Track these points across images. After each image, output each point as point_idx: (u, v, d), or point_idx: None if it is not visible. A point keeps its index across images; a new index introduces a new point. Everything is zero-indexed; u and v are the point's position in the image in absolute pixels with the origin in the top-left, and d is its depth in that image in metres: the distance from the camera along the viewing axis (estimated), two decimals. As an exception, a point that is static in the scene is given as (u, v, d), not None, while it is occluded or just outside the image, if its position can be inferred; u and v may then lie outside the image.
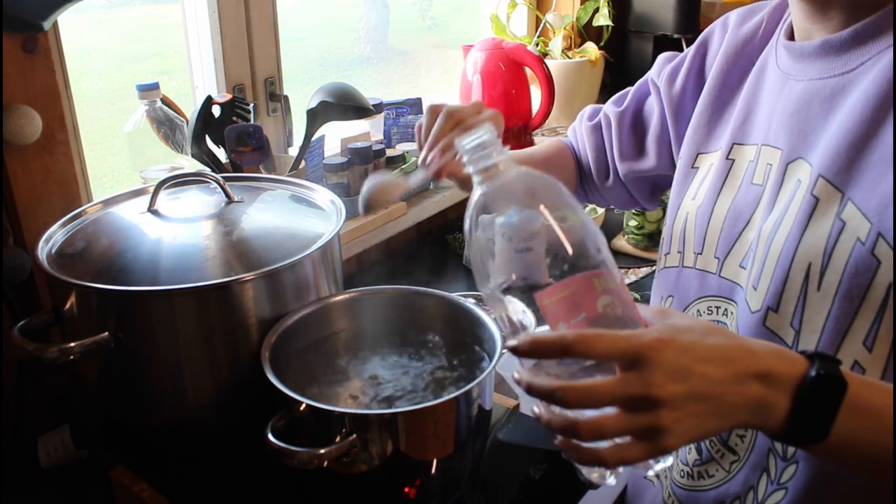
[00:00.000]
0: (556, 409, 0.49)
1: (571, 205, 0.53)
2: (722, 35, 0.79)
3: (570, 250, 0.50)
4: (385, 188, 0.86)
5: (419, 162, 0.78)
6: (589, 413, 0.48)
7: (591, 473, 0.53)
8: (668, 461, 0.52)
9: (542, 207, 0.51)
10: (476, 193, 0.53)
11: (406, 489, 0.67)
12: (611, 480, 0.53)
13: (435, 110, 0.78)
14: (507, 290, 0.52)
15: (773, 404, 0.48)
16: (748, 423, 0.49)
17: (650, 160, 0.88)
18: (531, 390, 0.48)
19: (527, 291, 0.51)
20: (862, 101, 0.58)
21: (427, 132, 0.78)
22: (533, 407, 0.51)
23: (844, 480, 0.60)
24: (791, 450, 0.63)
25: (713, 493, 0.70)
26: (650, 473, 0.52)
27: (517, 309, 0.52)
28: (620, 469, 0.51)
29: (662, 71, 0.86)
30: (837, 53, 0.61)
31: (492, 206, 0.53)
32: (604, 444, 0.48)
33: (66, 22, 0.96)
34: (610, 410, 0.47)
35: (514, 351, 0.49)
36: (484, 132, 0.53)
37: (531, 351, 0.48)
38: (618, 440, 0.48)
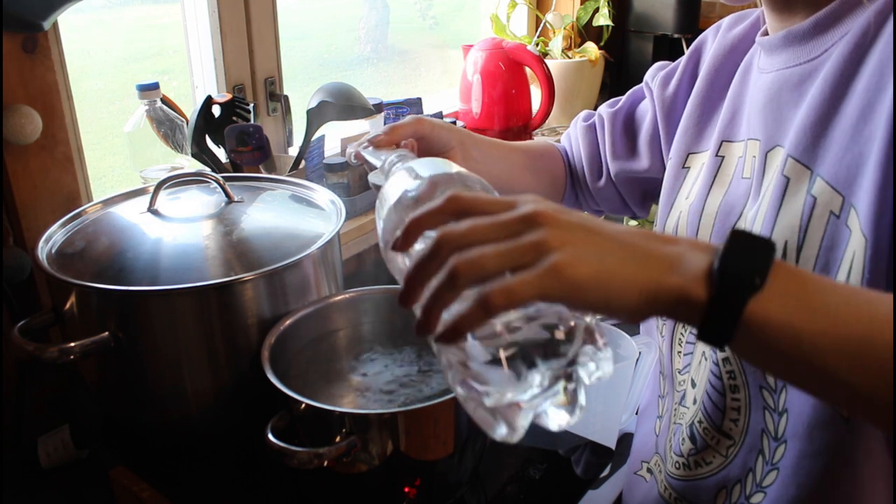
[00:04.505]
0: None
1: (492, 191, 0.55)
2: (714, 40, 0.81)
3: None
4: None
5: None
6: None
7: (488, 411, 0.43)
8: (579, 410, 0.43)
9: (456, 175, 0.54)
10: (395, 183, 0.56)
11: (406, 489, 0.67)
12: (508, 427, 0.43)
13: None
14: None
15: (689, 258, 0.43)
16: (665, 281, 0.42)
17: (643, 161, 0.89)
18: (411, 276, 0.42)
19: None
20: (823, 81, 0.60)
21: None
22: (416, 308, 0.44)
23: (830, 456, 0.61)
24: (781, 429, 0.63)
25: (713, 479, 0.70)
26: (566, 422, 0.43)
27: None
28: (522, 420, 0.43)
29: (656, 76, 0.88)
30: (801, 42, 0.63)
31: (414, 195, 0.54)
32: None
33: (66, 22, 0.96)
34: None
35: (396, 245, 0.45)
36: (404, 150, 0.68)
37: (409, 228, 0.44)
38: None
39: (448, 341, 0.42)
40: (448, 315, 0.42)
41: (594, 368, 0.44)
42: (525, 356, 0.43)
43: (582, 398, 0.44)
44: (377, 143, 0.72)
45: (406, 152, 0.68)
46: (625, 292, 0.41)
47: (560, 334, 0.44)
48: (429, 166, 0.56)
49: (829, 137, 0.58)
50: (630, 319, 0.43)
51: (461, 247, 0.41)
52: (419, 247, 0.45)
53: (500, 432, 0.43)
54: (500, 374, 0.43)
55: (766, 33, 0.70)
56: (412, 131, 0.75)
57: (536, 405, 0.43)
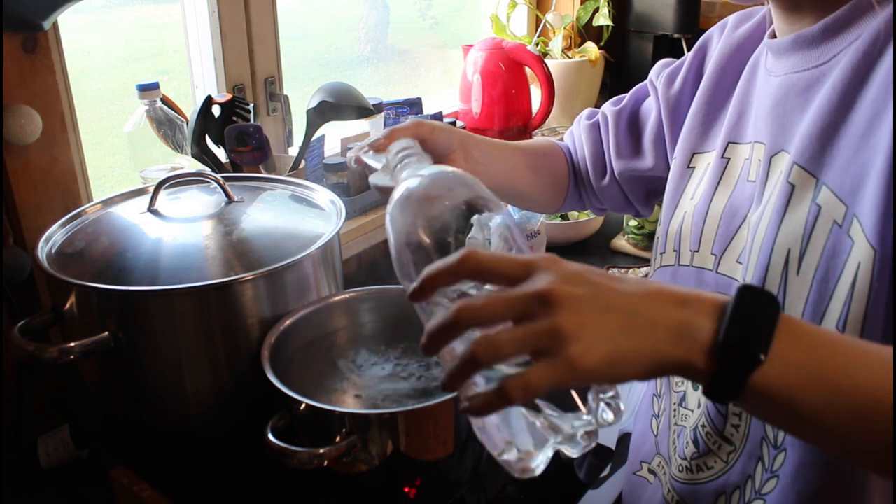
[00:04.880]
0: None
1: (493, 196, 0.55)
2: (720, 38, 0.80)
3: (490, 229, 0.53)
4: None
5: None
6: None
7: (509, 454, 0.47)
8: (593, 442, 0.47)
9: (468, 198, 0.54)
10: (401, 189, 0.55)
11: (406, 489, 0.67)
12: (538, 463, 0.47)
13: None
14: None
15: (696, 327, 0.44)
16: (671, 354, 0.44)
17: (647, 160, 0.88)
18: (431, 338, 0.45)
19: None
20: (831, 88, 0.59)
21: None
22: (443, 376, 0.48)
23: (830, 466, 0.60)
24: (780, 437, 0.63)
25: (713, 484, 0.70)
26: (575, 454, 0.47)
27: None
28: (541, 458, 0.46)
29: (661, 73, 0.87)
30: (810, 47, 0.63)
31: (420, 199, 0.54)
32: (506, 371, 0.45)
33: (66, 22, 0.96)
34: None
35: (412, 296, 0.46)
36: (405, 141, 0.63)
37: (424, 284, 0.45)
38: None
39: (471, 416, 0.45)
40: (470, 392, 0.46)
41: (608, 414, 0.47)
42: (545, 410, 0.46)
43: (596, 436, 0.47)
44: (377, 147, 0.71)
45: (408, 143, 0.66)
46: (633, 367, 0.44)
47: (575, 390, 0.47)
48: (436, 180, 0.56)
49: (836, 146, 0.58)
50: (637, 381, 0.46)
51: (478, 321, 0.44)
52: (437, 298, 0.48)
53: (522, 474, 0.46)
54: (521, 429, 0.46)
55: (773, 34, 0.70)
56: (412, 134, 0.75)
57: (556, 448, 0.46)
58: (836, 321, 0.57)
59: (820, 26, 0.61)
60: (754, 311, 0.44)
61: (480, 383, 0.47)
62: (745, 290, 0.44)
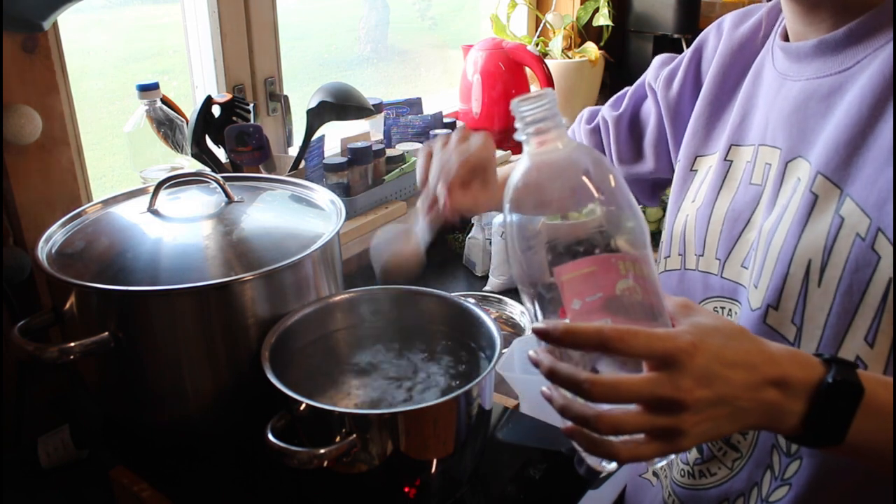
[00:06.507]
0: (571, 396, 0.48)
1: (623, 189, 0.52)
2: (717, 38, 0.79)
3: (609, 232, 0.50)
4: (397, 249, 0.79)
5: (422, 209, 0.77)
6: (606, 406, 0.47)
7: (592, 459, 0.52)
8: (671, 457, 0.52)
9: (590, 186, 0.51)
10: (523, 166, 0.52)
11: (406, 489, 0.67)
12: (612, 466, 0.54)
13: (428, 152, 0.79)
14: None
15: (787, 410, 0.49)
16: (761, 426, 0.50)
17: (648, 163, 0.88)
18: (553, 375, 0.48)
19: None
20: (858, 98, 0.59)
21: (426, 173, 0.78)
22: (543, 388, 0.51)
23: (848, 475, 0.60)
24: (795, 446, 0.63)
25: (715, 491, 0.70)
26: (653, 468, 0.53)
27: None
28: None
29: (659, 74, 0.86)
30: (833, 53, 0.62)
31: (542, 180, 0.52)
32: (617, 438, 0.48)
33: (66, 22, 0.96)
34: (631, 406, 0.47)
35: (544, 335, 0.47)
36: (547, 100, 0.52)
37: (563, 339, 0.47)
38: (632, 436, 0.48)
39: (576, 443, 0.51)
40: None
41: None
42: None
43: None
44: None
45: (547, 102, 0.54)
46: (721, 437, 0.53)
47: None
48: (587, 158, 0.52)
49: (863, 157, 0.57)
50: None
51: (608, 401, 0.47)
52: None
53: (610, 468, 0.56)
54: None
55: (785, 36, 0.69)
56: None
57: None
58: (863, 334, 0.57)
59: (844, 31, 0.60)
60: (841, 406, 0.49)
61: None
62: (835, 387, 0.49)
